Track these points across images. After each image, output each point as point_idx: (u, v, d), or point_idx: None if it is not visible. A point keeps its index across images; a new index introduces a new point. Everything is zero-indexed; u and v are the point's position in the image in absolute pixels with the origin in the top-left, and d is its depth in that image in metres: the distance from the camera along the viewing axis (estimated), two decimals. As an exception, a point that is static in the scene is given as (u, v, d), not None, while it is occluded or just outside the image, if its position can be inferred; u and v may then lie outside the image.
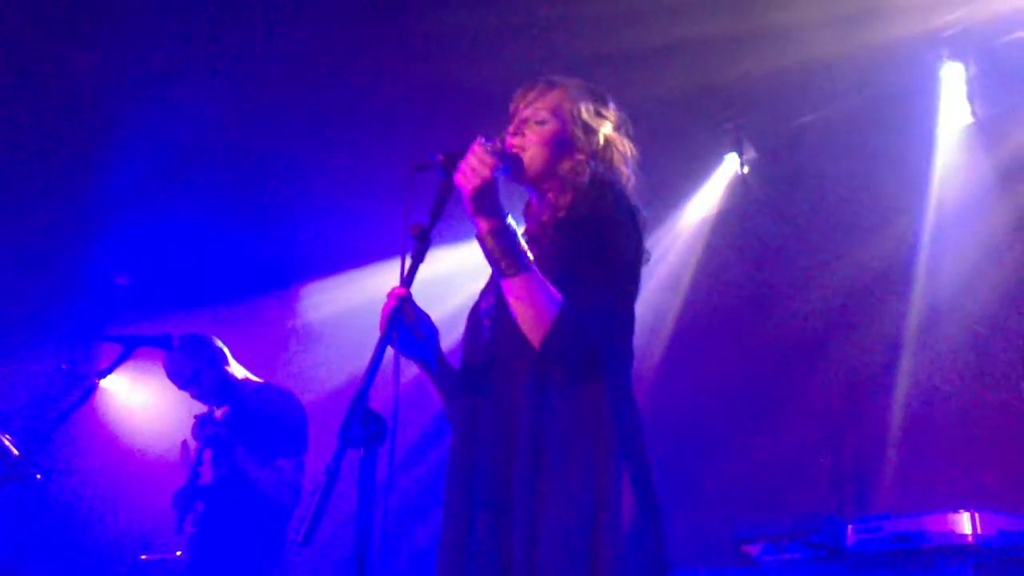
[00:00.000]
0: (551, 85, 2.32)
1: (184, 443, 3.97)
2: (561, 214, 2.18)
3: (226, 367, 4.06)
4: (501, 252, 2.04)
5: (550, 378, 2.05)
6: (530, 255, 2.06)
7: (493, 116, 2.39)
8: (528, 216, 2.36)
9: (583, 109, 2.30)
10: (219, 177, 5.40)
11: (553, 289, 2.04)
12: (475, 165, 2.04)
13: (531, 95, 2.31)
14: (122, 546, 5.12)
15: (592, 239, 2.10)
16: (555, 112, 2.29)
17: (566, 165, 2.24)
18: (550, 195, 2.25)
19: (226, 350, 4.13)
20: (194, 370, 3.98)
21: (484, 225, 2.05)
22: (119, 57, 4.56)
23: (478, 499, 2.04)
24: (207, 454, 3.83)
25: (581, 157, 2.25)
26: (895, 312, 4.73)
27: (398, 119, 4.84)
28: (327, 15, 4.32)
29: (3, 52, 4.41)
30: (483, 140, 2.07)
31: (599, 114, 2.32)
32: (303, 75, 4.61)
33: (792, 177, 5.28)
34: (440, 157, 2.14)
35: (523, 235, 2.19)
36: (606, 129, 2.32)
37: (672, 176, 5.50)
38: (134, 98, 4.77)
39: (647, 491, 2.03)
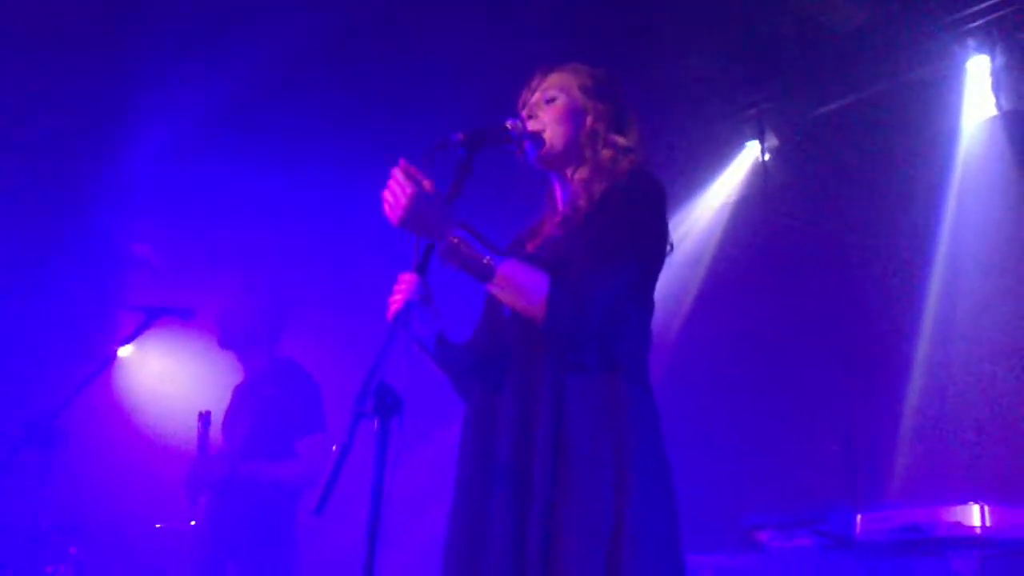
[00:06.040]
0: (552, 67, 2.33)
1: (201, 415, 3.98)
2: (596, 198, 2.13)
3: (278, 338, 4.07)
4: (467, 262, 2.02)
5: (569, 365, 2.02)
6: (496, 251, 2.03)
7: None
8: (551, 201, 2.33)
9: (590, 82, 2.28)
10: (242, 147, 5.40)
11: (535, 271, 2.01)
12: (394, 191, 2.00)
13: (535, 81, 2.32)
14: (136, 515, 5.17)
15: (620, 216, 2.08)
16: (563, 88, 2.27)
17: (606, 153, 2.21)
18: (583, 178, 2.20)
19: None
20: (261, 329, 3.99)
21: (441, 243, 2.02)
22: (141, 27, 4.56)
23: (497, 482, 2.01)
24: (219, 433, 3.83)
25: (620, 140, 2.22)
26: (913, 301, 4.72)
27: (423, 95, 4.83)
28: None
29: (24, 21, 4.41)
30: (405, 162, 2.03)
31: (607, 88, 2.30)
32: (330, 48, 4.60)
33: (813, 166, 5.26)
34: (460, 136, 2.13)
35: (558, 221, 2.20)
36: (617, 104, 2.29)
37: (692, 162, 5.49)
38: (154, 70, 4.78)
39: (664, 479, 2.03)
